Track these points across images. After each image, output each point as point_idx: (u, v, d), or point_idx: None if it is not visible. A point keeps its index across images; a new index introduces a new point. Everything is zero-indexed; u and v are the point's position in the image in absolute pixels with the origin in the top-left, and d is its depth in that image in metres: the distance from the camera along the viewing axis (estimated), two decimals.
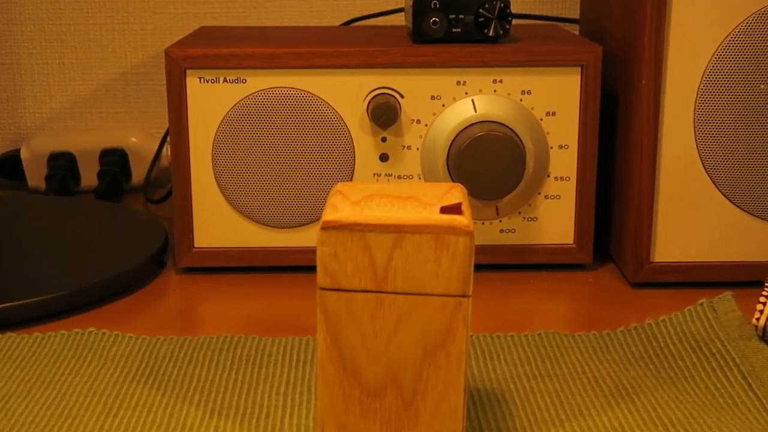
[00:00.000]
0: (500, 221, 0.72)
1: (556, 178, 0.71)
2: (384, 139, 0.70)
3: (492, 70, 0.69)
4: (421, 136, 0.70)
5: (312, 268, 0.70)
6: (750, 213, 0.68)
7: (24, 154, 0.91)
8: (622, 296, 0.68)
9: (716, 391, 0.54)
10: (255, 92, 0.69)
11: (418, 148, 0.71)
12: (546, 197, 0.72)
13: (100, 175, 0.90)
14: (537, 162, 0.71)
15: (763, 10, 0.64)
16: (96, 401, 0.53)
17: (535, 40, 0.72)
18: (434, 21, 0.70)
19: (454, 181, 0.69)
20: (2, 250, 0.72)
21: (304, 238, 0.72)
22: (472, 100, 0.70)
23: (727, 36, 0.65)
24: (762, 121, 0.66)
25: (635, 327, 0.61)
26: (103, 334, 0.60)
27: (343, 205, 0.45)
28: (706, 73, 0.66)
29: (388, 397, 0.46)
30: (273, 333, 0.61)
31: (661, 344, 0.59)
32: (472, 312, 0.46)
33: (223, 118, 0.70)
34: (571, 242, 0.72)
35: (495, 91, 0.70)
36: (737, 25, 0.65)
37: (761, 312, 0.58)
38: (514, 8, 0.95)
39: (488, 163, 0.68)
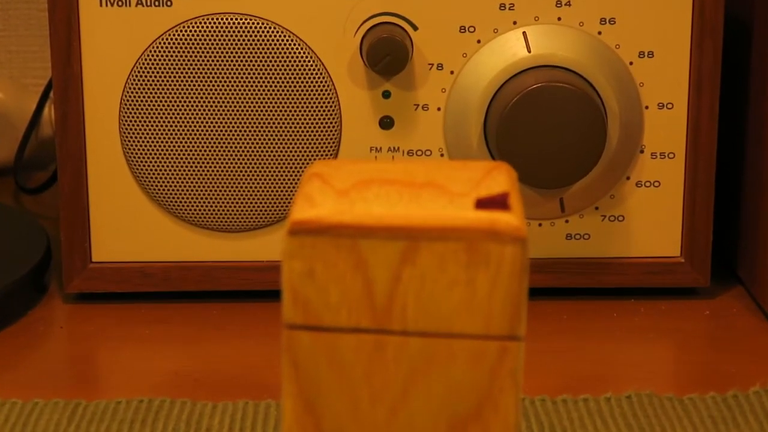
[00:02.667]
0: (567, 221, 0.72)
1: (653, 155, 0.72)
2: (387, 94, 0.71)
3: None
4: (444, 90, 0.71)
5: (275, 294, 0.69)
6: None
7: None
8: (757, 338, 0.69)
9: None
10: (186, 21, 0.70)
11: (439, 109, 0.71)
12: (638, 184, 0.72)
13: None
14: (624, 129, 0.71)
15: None
16: None
17: None
18: None
19: (495, 160, 0.69)
20: None
21: (263, 247, 0.72)
22: (524, 34, 0.70)
23: None
24: None
25: None
26: None
27: (324, 197, 0.45)
28: None
29: None
30: (214, 396, 0.61)
31: None
32: (526, 363, 0.45)
33: (137, 62, 0.70)
34: (678, 255, 0.73)
35: (559, 19, 0.70)
36: None
37: None
38: None
39: (548, 132, 0.68)
